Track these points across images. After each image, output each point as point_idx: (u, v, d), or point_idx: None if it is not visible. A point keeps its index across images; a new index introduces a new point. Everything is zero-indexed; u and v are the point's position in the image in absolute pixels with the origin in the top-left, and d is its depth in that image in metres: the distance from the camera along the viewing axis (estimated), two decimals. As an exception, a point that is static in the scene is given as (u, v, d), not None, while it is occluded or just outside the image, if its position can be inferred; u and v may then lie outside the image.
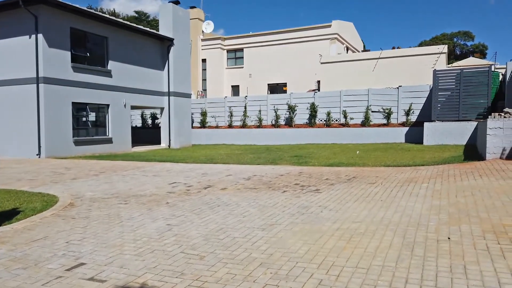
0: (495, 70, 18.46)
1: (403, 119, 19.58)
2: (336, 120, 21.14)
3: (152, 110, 25.68)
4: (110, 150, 17.62)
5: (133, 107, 20.30)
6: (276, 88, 32.61)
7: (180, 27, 21.23)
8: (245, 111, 23.14)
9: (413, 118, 19.30)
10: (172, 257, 3.94)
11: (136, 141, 21.70)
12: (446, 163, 10.47)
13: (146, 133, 25.11)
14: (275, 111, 22.12)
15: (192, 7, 34.52)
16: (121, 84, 18.31)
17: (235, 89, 34.60)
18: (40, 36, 14.76)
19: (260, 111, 22.74)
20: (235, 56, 34.88)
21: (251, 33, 34.36)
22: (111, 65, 17.83)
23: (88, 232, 4.90)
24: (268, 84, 33.19)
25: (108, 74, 17.70)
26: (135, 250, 4.17)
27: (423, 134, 16.97)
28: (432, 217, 5.10)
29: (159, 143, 21.50)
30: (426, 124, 16.95)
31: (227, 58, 35.17)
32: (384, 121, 19.93)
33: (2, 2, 14.93)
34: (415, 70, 26.36)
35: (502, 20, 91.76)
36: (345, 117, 20.49)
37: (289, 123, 22.01)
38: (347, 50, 34.18)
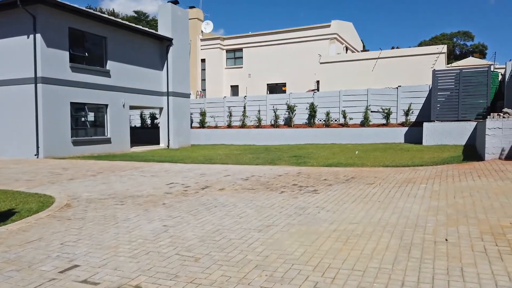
0: (495, 70, 18.43)
1: (402, 119, 19.55)
2: (336, 120, 21.10)
3: (151, 110, 25.64)
4: (108, 150, 17.58)
5: (132, 107, 20.26)
6: (276, 88, 32.58)
7: (179, 27, 21.19)
8: (244, 111, 23.11)
9: (413, 118, 19.27)
10: (167, 259, 3.91)
11: (135, 141, 21.66)
12: (445, 164, 10.43)
13: (145, 133, 25.06)
14: (274, 111, 22.09)
15: (191, 7, 34.49)
16: (120, 84, 18.28)
17: (234, 89, 34.57)
18: (38, 36, 14.72)
19: (259, 111, 22.70)
20: (234, 56, 34.85)
21: (250, 33, 34.33)
22: (110, 65, 17.79)
23: (83, 234, 4.86)
24: (267, 84, 33.16)
25: (107, 74, 17.66)
26: (130, 252, 4.14)
27: (422, 134, 16.94)
28: (430, 218, 5.07)
29: (158, 143, 21.47)
30: (425, 124, 16.92)
31: (226, 58, 35.13)
32: (384, 121, 19.90)
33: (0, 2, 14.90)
34: (414, 70, 26.34)
35: (502, 20, 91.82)
36: (345, 117, 20.46)
37: (288, 123, 21.97)
38: (347, 50, 34.15)
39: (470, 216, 5.09)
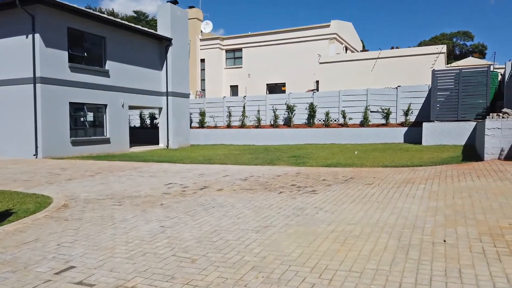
0: (494, 70, 18.41)
1: (402, 119, 19.52)
2: (335, 120, 21.08)
3: (150, 110, 25.61)
4: (107, 151, 17.56)
5: (131, 107, 20.23)
6: (275, 88, 32.56)
7: (178, 27, 21.17)
8: (243, 111, 23.08)
9: (412, 118, 19.25)
10: (163, 260, 3.89)
11: (134, 141, 21.64)
12: (444, 164, 10.41)
13: (144, 133, 25.04)
14: (273, 111, 22.06)
15: (190, 7, 34.46)
16: (119, 84, 18.25)
17: (234, 89, 34.55)
18: (37, 36, 14.69)
19: (258, 111, 22.67)
20: (234, 56, 34.83)
21: (249, 33, 34.31)
22: (109, 65, 17.77)
23: (80, 234, 4.84)
24: (267, 84, 33.14)
25: (106, 74, 17.64)
26: (127, 253, 4.11)
27: (422, 134, 16.92)
28: (428, 219, 5.05)
29: (158, 143, 21.45)
30: (425, 124, 16.90)
31: (226, 58, 35.11)
32: (383, 121, 19.88)
33: (-1, 2, 14.89)
34: (413, 70, 26.33)
35: (502, 20, 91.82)
36: (344, 117, 20.44)
37: (288, 123, 21.95)
38: (346, 50, 34.13)
39: (468, 217, 5.06)
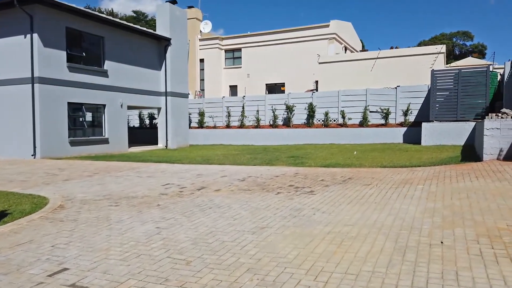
0: (494, 70, 18.38)
1: (401, 119, 19.49)
2: (334, 120, 21.04)
3: (149, 110, 25.58)
4: (106, 151, 17.52)
5: (130, 107, 20.19)
6: (274, 88, 32.52)
7: (177, 27, 21.13)
8: (243, 111, 23.04)
9: (411, 118, 19.21)
10: (157, 262, 3.85)
11: (133, 141, 21.60)
12: (443, 164, 10.38)
13: (143, 133, 25.00)
14: (273, 111, 22.03)
15: (189, 7, 34.41)
16: (118, 84, 18.21)
17: (233, 89, 34.51)
18: (35, 35, 14.65)
19: (258, 111, 22.63)
20: (233, 56, 34.80)
21: (249, 33, 34.28)
22: (108, 65, 17.73)
23: (75, 236, 4.80)
24: (266, 84, 33.11)
25: (105, 74, 17.60)
26: (121, 255, 4.08)
27: (421, 135, 16.87)
28: (426, 220, 5.01)
29: (157, 143, 21.40)
30: (424, 124, 16.87)
31: (225, 58, 35.07)
32: (382, 121, 19.84)
33: (-3, 2, 14.85)
34: (413, 70, 26.29)
35: (502, 20, 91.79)
36: (343, 117, 20.40)
37: (287, 123, 21.91)
38: (346, 50, 34.10)
39: (466, 218, 5.03)
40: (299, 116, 21.71)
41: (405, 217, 5.22)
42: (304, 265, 3.65)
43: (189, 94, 24.11)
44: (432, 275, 3.32)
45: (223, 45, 34.86)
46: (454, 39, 65.10)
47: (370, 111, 20.10)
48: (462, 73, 16.66)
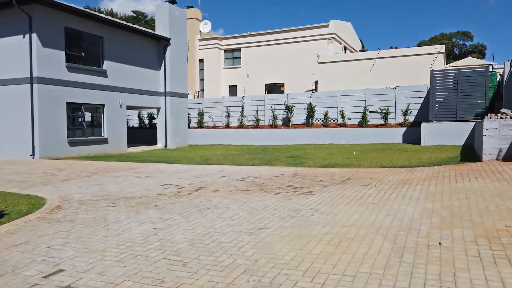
0: (493, 70, 18.37)
1: (400, 119, 19.47)
2: (334, 120, 21.02)
3: (149, 110, 25.56)
4: (105, 151, 17.50)
5: (129, 107, 20.17)
6: (274, 88, 32.50)
7: (176, 27, 21.11)
8: (242, 111, 23.02)
9: (411, 118, 19.19)
10: (154, 263, 3.83)
11: (132, 142, 21.57)
12: (442, 164, 10.36)
13: (143, 133, 24.98)
14: (272, 111, 22.01)
15: (189, 7, 34.38)
16: (117, 84, 18.19)
17: (233, 89, 34.49)
18: (34, 35, 14.63)
19: (257, 111, 22.61)
20: (233, 56, 34.77)
21: (248, 33, 34.25)
22: (107, 65, 17.70)
23: (71, 237, 4.78)
24: (265, 84, 33.08)
25: (104, 74, 17.57)
26: (117, 256, 4.05)
27: (420, 135, 16.85)
28: (424, 221, 4.99)
29: (156, 143, 21.38)
30: (423, 125, 16.85)
31: (225, 58, 35.05)
32: (382, 122, 19.82)
33: (-5, 2, 14.82)
34: (412, 70, 26.26)
35: (502, 20, 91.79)
36: (343, 117, 20.38)
37: (287, 123, 21.89)
38: (345, 50, 34.08)
39: (465, 219, 5.01)
40: (299, 116, 21.69)
41: (404, 217, 5.20)
42: (301, 266, 3.63)
43: (188, 94, 24.08)
44: (429, 276, 3.30)
45: (222, 45, 34.84)
46: (454, 39, 65.10)
47: (370, 111, 20.08)
48: (461, 73, 16.64)
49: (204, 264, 3.76)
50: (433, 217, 5.18)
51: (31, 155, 14.90)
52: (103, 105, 17.57)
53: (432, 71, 17.39)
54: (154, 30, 20.91)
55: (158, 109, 21.01)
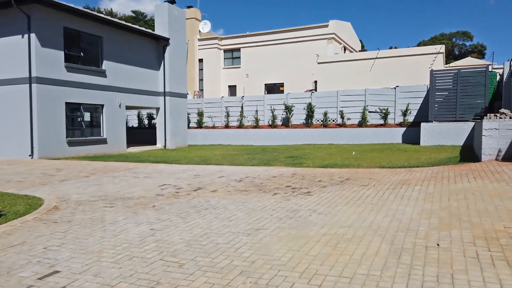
0: (493, 70, 18.36)
1: (400, 119, 19.45)
2: (333, 121, 21.00)
3: (148, 110, 25.53)
4: (104, 151, 17.47)
5: (128, 107, 20.14)
6: (273, 88, 32.47)
7: (176, 27, 21.08)
8: (241, 111, 23.00)
9: (410, 118, 19.17)
10: (150, 264, 3.80)
11: (132, 142, 21.55)
12: (442, 165, 10.33)
13: (142, 133, 24.95)
14: (272, 111, 21.99)
15: (188, 7, 34.35)
16: (116, 84, 18.16)
17: (232, 89, 34.46)
18: (33, 35, 14.60)
19: (257, 111, 22.59)
20: (232, 56, 34.74)
21: (248, 33, 34.22)
22: (106, 65, 17.68)
23: (68, 238, 4.75)
24: (265, 84, 33.05)
25: (103, 74, 17.55)
26: (113, 257, 4.03)
27: (420, 135, 16.83)
28: (423, 222, 4.96)
29: (155, 143, 21.35)
30: (423, 125, 16.82)
31: (224, 58, 35.02)
32: (381, 122, 19.80)
33: (-6, 2, 14.78)
34: (412, 70, 26.23)
35: (502, 20, 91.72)
36: (342, 117, 20.36)
37: (286, 123, 21.86)
38: (345, 50, 34.05)
39: (463, 220, 4.98)
40: (298, 116, 21.67)
41: (402, 218, 5.18)
42: (298, 267, 3.61)
43: (188, 94, 24.05)
44: (427, 278, 3.28)
45: (222, 45, 34.81)
46: (454, 39, 65.06)
47: (369, 111, 20.06)
48: (461, 73, 16.61)
49: (201, 266, 3.73)
50: (432, 218, 5.15)
51: (30, 155, 14.88)
52: (102, 105, 17.55)
53: (431, 71, 17.37)
54: (154, 30, 20.88)
55: (158, 109, 20.99)
